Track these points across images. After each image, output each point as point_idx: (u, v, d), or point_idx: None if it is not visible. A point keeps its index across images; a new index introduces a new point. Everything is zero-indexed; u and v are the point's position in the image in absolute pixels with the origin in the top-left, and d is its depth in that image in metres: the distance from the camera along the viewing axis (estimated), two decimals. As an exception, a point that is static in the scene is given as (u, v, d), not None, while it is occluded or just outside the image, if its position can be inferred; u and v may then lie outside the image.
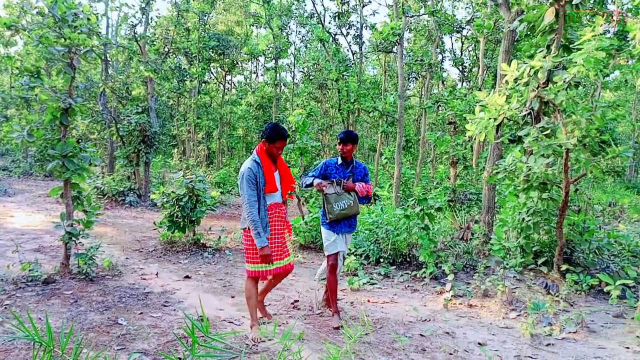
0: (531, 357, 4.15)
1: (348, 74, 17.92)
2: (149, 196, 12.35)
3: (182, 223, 7.84)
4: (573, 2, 6.17)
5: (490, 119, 5.63)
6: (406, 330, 4.66)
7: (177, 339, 4.09)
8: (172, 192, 7.86)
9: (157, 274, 6.40)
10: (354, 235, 7.56)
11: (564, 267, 6.17)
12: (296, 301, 5.44)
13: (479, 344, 4.34)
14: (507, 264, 6.51)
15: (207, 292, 5.71)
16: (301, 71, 21.76)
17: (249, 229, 4.11)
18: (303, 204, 10.26)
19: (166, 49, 17.90)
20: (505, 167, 6.17)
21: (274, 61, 22.90)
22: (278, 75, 23.34)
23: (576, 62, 5.36)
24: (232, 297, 5.57)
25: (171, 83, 21.84)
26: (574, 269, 6.18)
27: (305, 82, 21.25)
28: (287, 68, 27.13)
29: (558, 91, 5.62)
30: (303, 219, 8.57)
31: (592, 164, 5.78)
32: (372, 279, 6.49)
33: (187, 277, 6.34)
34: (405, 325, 4.82)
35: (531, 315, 4.92)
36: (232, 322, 4.69)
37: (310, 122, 19.15)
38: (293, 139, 9.92)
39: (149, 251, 7.82)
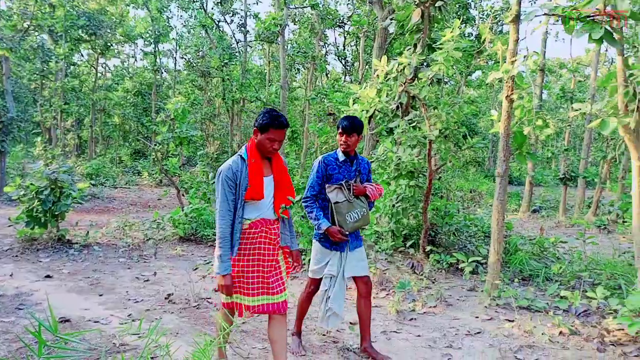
0: (396, 332, 4.48)
1: (232, 63, 17.61)
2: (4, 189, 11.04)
3: (43, 218, 7.13)
4: (436, 5, 6.72)
5: (362, 110, 5.92)
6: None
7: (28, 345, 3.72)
8: (31, 184, 7.10)
9: (11, 275, 5.76)
10: None
11: (428, 248, 6.75)
12: (170, 294, 5.25)
13: (350, 323, 4.58)
14: (379, 248, 6.94)
15: (71, 292, 5.28)
16: (183, 57, 20.88)
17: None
18: (183, 194, 9.92)
19: (25, 25, 16.02)
20: (377, 157, 6.55)
21: (153, 45, 21.69)
22: (158, 60, 22.18)
23: (438, 61, 5.84)
24: (100, 295, 5.22)
25: (33, 64, 19.63)
26: (437, 250, 6.78)
27: (188, 69, 20.46)
28: (169, 54, 25.88)
29: (422, 87, 6.09)
30: (182, 210, 8.29)
31: (451, 154, 6.38)
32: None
33: (48, 276, 5.80)
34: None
35: (398, 293, 5.31)
36: (98, 322, 4.39)
37: (193, 110, 18.52)
38: (172, 127, 9.51)
39: (2, 250, 6.99)
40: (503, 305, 5.18)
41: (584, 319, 4.77)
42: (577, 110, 4.21)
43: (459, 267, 6.31)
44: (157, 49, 21.59)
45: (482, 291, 5.56)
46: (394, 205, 6.91)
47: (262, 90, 18.18)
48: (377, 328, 4.54)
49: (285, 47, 10.83)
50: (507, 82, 4.96)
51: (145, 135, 25.04)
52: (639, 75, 3.79)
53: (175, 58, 25.27)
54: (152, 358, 3.42)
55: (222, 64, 16.56)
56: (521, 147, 5.10)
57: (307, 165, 17.26)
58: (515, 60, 4.85)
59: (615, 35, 3.71)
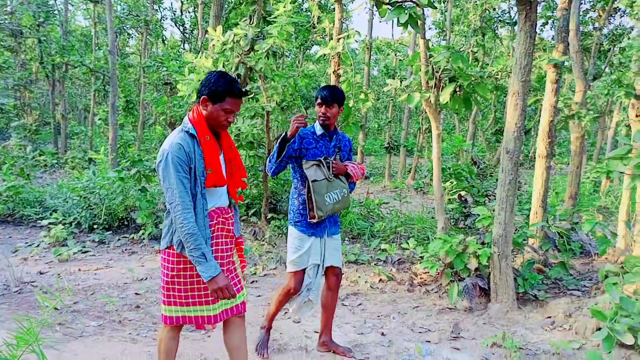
0: (237, 295, 4.70)
1: (50, 22, 15.56)
2: None
3: None
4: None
5: (199, 81, 5.86)
6: (120, 292, 4.62)
7: None
8: None
9: None
10: None
11: (269, 215, 7.07)
12: (-14, 283, 4.70)
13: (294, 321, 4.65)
14: (222, 218, 7.05)
15: None
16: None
17: (171, 247, 2.40)
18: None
19: None
20: (216, 127, 6.57)
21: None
22: (-50, 13, 18.48)
23: (272, 34, 6.04)
24: None
25: None
26: (278, 217, 7.14)
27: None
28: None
29: (259, 59, 6.24)
30: (-6, 189, 7.30)
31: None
32: (84, 247, 6.10)
33: None
34: (120, 287, 4.76)
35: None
36: None
37: (2, 75, 16.03)
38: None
39: None
40: (335, 261, 5.75)
41: (398, 266, 5.57)
42: (390, 85, 4.81)
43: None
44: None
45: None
46: (234, 176, 7.04)
47: (88, 54, 16.45)
48: (220, 293, 4.71)
49: (113, 7, 9.96)
50: (333, 58, 5.37)
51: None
52: (437, 56, 4.46)
53: (-26, 12, 21.29)
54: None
55: (37, 22, 14.54)
56: (347, 118, 5.61)
57: (144, 139, 16.32)
58: (341, 37, 5.27)
59: (418, 21, 4.29)
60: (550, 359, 3.46)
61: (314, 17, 5.58)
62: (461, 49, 15.88)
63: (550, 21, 10.48)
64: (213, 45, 6.13)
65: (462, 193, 5.91)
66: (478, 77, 4.21)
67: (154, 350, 3.43)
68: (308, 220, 3.11)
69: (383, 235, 6.76)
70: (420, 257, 5.13)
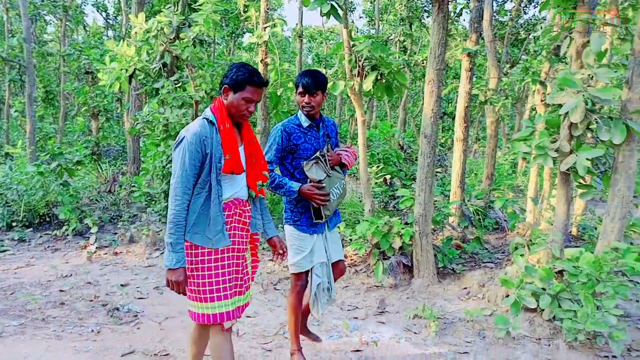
0: (169, 286, 4.68)
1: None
2: None
3: None
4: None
5: (122, 69, 5.69)
6: (43, 290, 4.45)
7: None
8: None
9: None
10: None
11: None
12: None
13: (121, 285, 4.57)
14: (153, 210, 6.90)
15: None
16: None
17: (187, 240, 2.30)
18: None
19: None
20: (142, 117, 6.41)
21: None
22: None
23: (198, 22, 5.95)
24: None
25: None
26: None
27: None
28: None
29: (185, 47, 6.14)
30: None
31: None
32: (2, 246, 5.78)
33: None
34: (42, 285, 4.59)
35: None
36: None
37: None
38: None
39: None
40: (268, 248, 5.83)
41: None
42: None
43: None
44: None
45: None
46: (164, 167, 6.91)
47: (0, 43, 15.27)
48: (151, 285, 4.66)
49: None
50: (261, 46, 5.40)
51: None
52: (359, 45, 4.62)
53: None
54: None
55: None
56: (277, 106, 5.67)
57: (67, 131, 15.51)
58: (267, 26, 5.30)
59: (340, 11, 4.42)
60: (465, 326, 3.77)
61: (240, 5, 5.55)
62: (390, 38, 16.34)
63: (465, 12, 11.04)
64: (135, 32, 5.95)
65: (388, 177, 6.17)
66: (397, 65, 4.42)
67: (80, 345, 3.37)
68: (314, 221, 2.88)
69: (316, 220, 6.91)
70: (350, 239, 5.32)
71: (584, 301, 3.35)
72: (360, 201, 7.31)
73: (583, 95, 3.46)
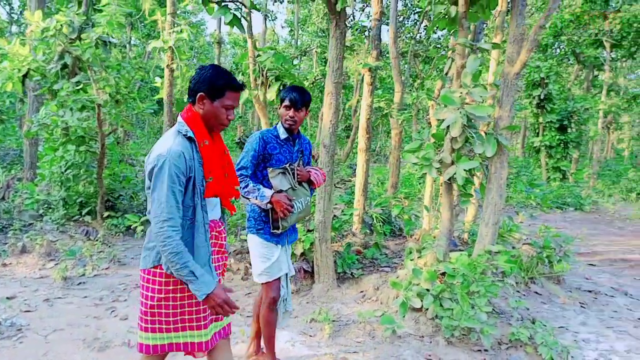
0: (61, 297, 4.46)
1: None
2: None
3: None
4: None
5: (14, 69, 5.36)
6: None
7: None
8: None
9: None
10: None
11: (106, 214, 6.74)
12: None
13: (7, 298, 4.30)
14: (50, 218, 6.52)
15: None
16: None
17: (158, 266, 2.07)
18: None
19: None
20: (39, 120, 6.06)
21: None
22: None
23: (101, 23, 5.76)
24: None
25: None
26: (116, 214, 6.84)
27: None
28: None
29: (87, 48, 5.91)
30: None
31: (122, 118, 6.47)
32: None
33: None
34: None
35: (66, 261, 5.21)
36: None
37: None
38: None
39: None
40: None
41: (237, 257, 5.76)
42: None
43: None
44: None
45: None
46: (63, 172, 6.57)
47: None
48: (40, 297, 4.42)
49: None
50: (166, 52, 5.34)
51: None
52: (263, 56, 4.73)
53: None
54: None
55: None
56: (183, 113, 5.60)
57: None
58: (173, 31, 5.26)
59: (244, 22, 4.50)
60: (357, 327, 3.96)
61: (144, 9, 5.46)
62: (310, 49, 16.67)
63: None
64: (31, 31, 5.64)
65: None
66: (300, 76, 4.58)
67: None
68: (271, 231, 2.91)
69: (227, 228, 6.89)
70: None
71: (460, 300, 3.66)
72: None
73: (460, 112, 3.80)
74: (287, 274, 3.07)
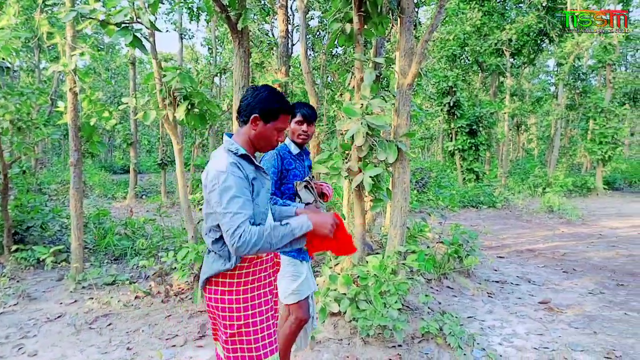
0: (-40, 342, 4.14)
1: None
2: None
3: None
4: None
5: None
6: None
7: None
8: None
9: None
10: None
11: (14, 247, 6.33)
12: None
13: None
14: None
15: None
16: None
17: (235, 268, 2.07)
18: None
19: None
20: None
21: None
22: None
23: None
24: None
25: None
26: (24, 247, 6.44)
27: None
28: None
29: (-20, 74, 5.58)
30: None
31: (26, 146, 6.14)
32: None
33: None
34: None
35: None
36: None
37: None
38: None
39: None
40: (89, 286, 5.50)
41: (158, 280, 5.63)
42: (125, 103, 4.89)
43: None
44: None
45: (67, 277, 5.71)
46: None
47: None
48: None
49: None
50: (68, 75, 5.18)
51: None
52: (168, 76, 4.72)
53: None
54: None
55: None
56: (90, 137, 5.45)
57: None
58: (74, 54, 5.11)
59: (146, 43, 4.48)
60: (278, 338, 4.02)
61: (42, 32, 5.26)
62: (229, 66, 16.65)
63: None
64: None
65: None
66: (208, 96, 4.61)
67: None
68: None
69: (146, 251, 6.72)
70: (174, 267, 5.30)
71: (373, 300, 3.84)
72: (184, 229, 7.30)
73: (362, 122, 4.02)
74: (313, 292, 3.00)
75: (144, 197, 15.19)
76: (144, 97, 5.00)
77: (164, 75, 4.75)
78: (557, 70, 20.82)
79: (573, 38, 16.60)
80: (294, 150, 2.99)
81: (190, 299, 5.00)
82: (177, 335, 4.18)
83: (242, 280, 2.08)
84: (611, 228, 10.07)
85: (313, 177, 3.19)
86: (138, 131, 18.62)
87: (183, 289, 5.25)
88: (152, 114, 4.69)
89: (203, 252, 4.79)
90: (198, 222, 5.51)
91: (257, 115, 2.08)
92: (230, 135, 2.16)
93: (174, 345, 3.96)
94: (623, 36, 17.45)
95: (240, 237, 1.85)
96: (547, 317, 4.61)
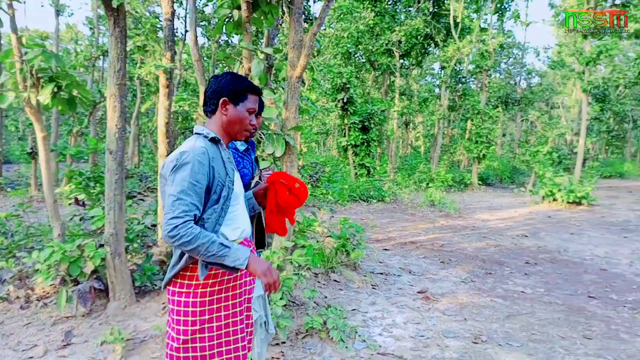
0: None
1: None
2: None
3: None
4: None
5: None
6: None
7: None
8: None
9: None
10: None
11: None
12: None
13: None
14: None
15: None
16: None
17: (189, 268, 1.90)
18: None
19: None
20: None
21: None
22: None
23: None
24: None
25: None
26: None
27: None
28: None
29: None
30: None
31: None
32: None
33: None
34: None
35: None
36: None
37: None
38: None
39: None
40: None
41: (19, 283, 5.00)
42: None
43: None
44: None
45: None
46: None
47: None
48: None
49: None
50: None
51: None
52: (32, 54, 4.17)
53: None
54: None
55: None
56: None
57: None
58: None
59: (4, 15, 3.91)
60: (155, 341, 3.76)
61: None
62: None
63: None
64: None
65: (81, 196, 5.74)
66: (88, 80, 4.15)
67: None
68: (257, 250, 2.68)
69: (5, 251, 5.94)
70: (36, 269, 4.73)
71: (257, 298, 3.74)
72: (49, 226, 6.63)
73: (248, 114, 3.88)
74: (262, 295, 2.70)
75: (10, 189, 13.53)
76: (1, 76, 4.37)
77: (26, 53, 4.19)
78: (441, 73, 22.34)
79: (455, 44, 17.89)
80: (241, 146, 2.85)
81: (55, 303, 4.50)
82: (36, 345, 3.73)
83: (202, 282, 1.90)
84: (483, 220, 11.02)
85: (261, 170, 3.06)
86: (4, 115, 16.57)
87: (48, 293, 4.71)
88: (11, 95, 4.11)
89: (69, 251, 4.33)
90: (71, 219, 4.99)
91: (225, 98, 2.00)
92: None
93: (32, 357, 3.52)
94: (498, 44, 19.20)
95: (175, 227, 1.73)
96: (424, 306, 4.87)
